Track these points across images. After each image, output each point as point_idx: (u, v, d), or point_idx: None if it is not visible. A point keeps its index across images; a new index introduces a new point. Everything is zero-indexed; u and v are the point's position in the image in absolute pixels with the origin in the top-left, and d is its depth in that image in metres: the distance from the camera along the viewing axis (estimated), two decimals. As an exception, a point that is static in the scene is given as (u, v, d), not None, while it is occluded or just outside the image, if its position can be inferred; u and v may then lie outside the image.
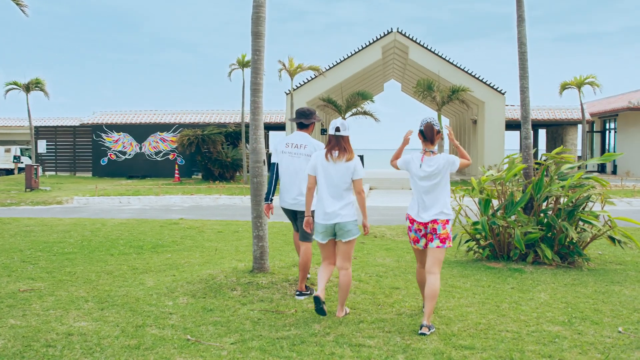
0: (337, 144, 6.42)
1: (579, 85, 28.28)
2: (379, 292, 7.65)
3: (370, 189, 30.32)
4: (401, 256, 10.44)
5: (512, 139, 42.78)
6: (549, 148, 40.58)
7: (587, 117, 34.52)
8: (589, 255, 9.91)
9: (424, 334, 5.94)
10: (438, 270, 6.24)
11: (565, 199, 9.73)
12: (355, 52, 29.58)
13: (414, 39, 29.61)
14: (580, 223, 9.85)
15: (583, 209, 9.69)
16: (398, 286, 8.04)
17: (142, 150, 37.21)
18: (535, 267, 9.37)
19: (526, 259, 9.66)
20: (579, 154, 37.48)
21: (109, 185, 29.11)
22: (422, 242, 6.33)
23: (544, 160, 10.37)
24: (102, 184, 30.05)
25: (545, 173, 10.05)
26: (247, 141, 32.89)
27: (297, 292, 7.27)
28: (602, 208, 10.04)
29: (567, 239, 9.65)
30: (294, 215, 7.46)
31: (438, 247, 6.22)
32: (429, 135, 6.29)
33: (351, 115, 30.66)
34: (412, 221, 6.35)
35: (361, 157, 51.15)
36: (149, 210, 20.62)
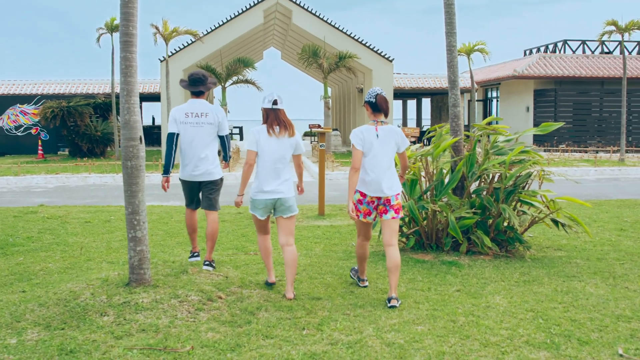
0: (276, 119, 6.28)
1: (469, 53, 27.36)
2: (297, 307, 5.91)
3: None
4: (310, 248, 8.75)
5: (397, 108, 41.91)
6: (434, 117, 39.94)
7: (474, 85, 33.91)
8: (528, 242, 8.57)
9: (394, 307, 5.93)
10: (396, 241, 6.25)
11: (501, 177, 8.34)
12: (236, 16, 27.39)
13: (298, 2, 27.73)
14: (518, 205, 8.48)
15: (523, 188, 8.30)
16: (319, 295, 6.32)
17: (0, 125, 33.68)
18: (471, 259, 7.93)
19: (459, 248, 8.20)
20: (466, 122, 36.99)
21: (-40, 164, 25.83)
22: (374, 214, 6.25)
23: (474, 132, 8.92)
24: (-47, 163, 26.69)
25: (476, 147, 8.58)
26: (118, 113, 30.21)
27: (206, 262, 7.06)
28: (540, 186, 8.70)
29: (505, 224, 8.26)
30: (198, 186, 7.23)
31: (393, 217, 6.21)
32: (384, 107, 6.19)
33: (232, 84, 28.56)
34: (364, 195, 6.19)
35: (241, 129, 49.19)
36: (7, 193, 17.96)
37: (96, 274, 6.79)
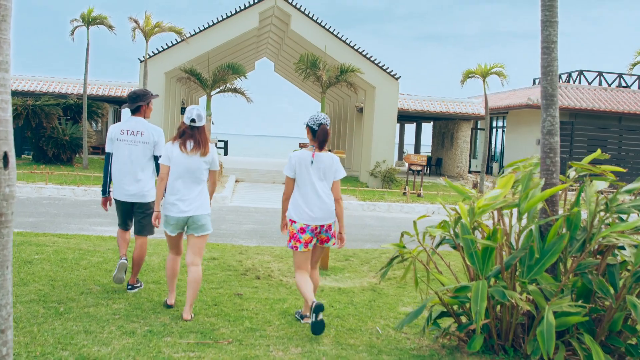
0: (192, 136, 6.19)
1: (484, 75, 24.44)
2: None
3: (237, 181, 25.43)
4: (313, 338, 5.72)
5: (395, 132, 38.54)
6: (435, 145, 36.99)
7: (480, 111, 31.09)
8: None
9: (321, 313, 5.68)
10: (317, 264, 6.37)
11: (614, 247, 5.39)
12: (229, 17, 24.42)
13: (298, 6, 24.84)
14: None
15: (657, 269, 5.33)
16: None
17: (-40, 121, 30.40)
18: (575, 380, 4.95)
19: (554, 357, 5.21)
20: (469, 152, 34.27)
21: None
22: (314, 241, 6.12)
23: (570, 176, 5.96)
24: None
25: (579, 199, 5.61)
26: (89, 117, 27.15)
27: (129, 286, 6.94)
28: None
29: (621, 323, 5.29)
30: (131, 208, 6.98)
31: (334, 244, 6.20)
32: (321, 138, 6.09)
33: (218, 92, 25.53)
34: (307, 224, 6.02)
35: (226, 143, 46.05)
36: None
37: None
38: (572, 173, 5.96)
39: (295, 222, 6.04)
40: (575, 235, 5.37)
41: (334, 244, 6.15)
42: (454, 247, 5.80)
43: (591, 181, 5.83)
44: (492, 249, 5.21)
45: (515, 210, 5.62)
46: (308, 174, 6.02)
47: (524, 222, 5.57)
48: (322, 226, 6.05)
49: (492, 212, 5.72)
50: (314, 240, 6.09)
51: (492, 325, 5.37)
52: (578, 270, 5.37)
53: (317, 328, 5.63)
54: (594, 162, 6.11)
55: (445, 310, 5.64)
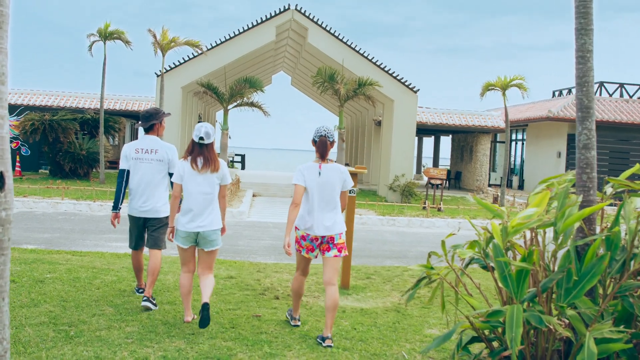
0: (201, 153, 6.28)
1: (504, 87, 24.04)
2: None
3: (254, 196, 25.19)
4: (337, 361, 5.42)
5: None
6: (454, 158, 36.55)
7: (500, 124, 30.68)
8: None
9: (330, 346, 5.82)
10: (337, 280, 6.23)
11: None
12: (245, 30, 24.23)
13: (315, 19, 24.63)
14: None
15: None
16: None
17: (-22, 136, 30.35)
18: (617, 412, 4.62)
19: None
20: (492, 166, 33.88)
21: None
22: (316, 251, 6.21)
23: (607, 192, 5.64)
24: None
25: (619, 218, 5.28)
26: (106, 131, 27.05)
27: (145, 298, 6.78)
28: None
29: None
30: (144, 223, 7.14)
31: (335, 256, 6.15)
32: (320, 150, 6.21)
33: (235, 106, 25.35)
34: (308, 233, 6.14)
35: (242, 157, 45.86)
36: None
37: None
38: (609, 189, 5.64)
39: (298, 229, 6.24)
40: (614, 255, 5.05)
41: (335, 255, 6.13)
42: (484, 267, 5.50)
43: (630, 197, 5.51)
44: (527, 271, 4.89)
45: (547, 229, 5.32)
46: (316, 185, 6.14)
47: (558, 241, 5.25)
48: (323, 237, 6.13)
49: (524, 231, 5.41)
50: (316, 250, 6.20)
51: (526, 352, 5.04)
52: (618, 293, 5.04)
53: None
54: (631, 177, 5.79)
55: (477, 335, 5.32)
